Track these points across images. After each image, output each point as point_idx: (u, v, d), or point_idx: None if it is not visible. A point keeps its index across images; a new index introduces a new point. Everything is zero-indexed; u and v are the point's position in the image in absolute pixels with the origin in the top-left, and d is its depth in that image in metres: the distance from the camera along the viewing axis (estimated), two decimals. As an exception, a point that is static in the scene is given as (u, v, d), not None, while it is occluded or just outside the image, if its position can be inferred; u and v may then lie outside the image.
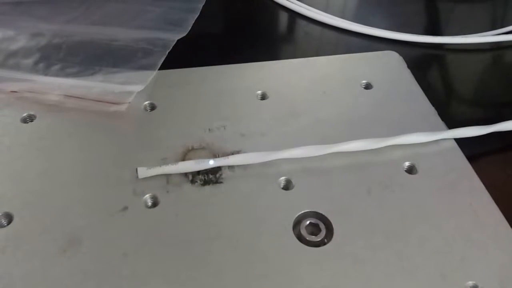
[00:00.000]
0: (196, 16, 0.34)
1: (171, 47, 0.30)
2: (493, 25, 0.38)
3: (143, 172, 0.22)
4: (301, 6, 0.37)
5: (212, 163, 0.23)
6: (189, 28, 0.32)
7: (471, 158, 0.24)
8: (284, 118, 0.26)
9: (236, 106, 0.27)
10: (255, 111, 0.26)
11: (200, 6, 0.35)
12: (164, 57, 0.29)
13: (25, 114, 0.25)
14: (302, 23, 0.37)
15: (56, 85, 0.26)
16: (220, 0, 0.38)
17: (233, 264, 0.19)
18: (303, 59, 0.30)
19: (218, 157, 0.24)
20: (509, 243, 0.21)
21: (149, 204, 0.21)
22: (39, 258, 0.19)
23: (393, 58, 0.31)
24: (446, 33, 0.37)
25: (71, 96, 0.26)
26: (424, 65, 0.34)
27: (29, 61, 0.28)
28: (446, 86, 0.33)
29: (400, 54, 0.31)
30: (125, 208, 0.21)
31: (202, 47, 0.33)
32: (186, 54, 0.31)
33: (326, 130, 0.25)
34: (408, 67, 0.30)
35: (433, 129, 0.26)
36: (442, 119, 0.26)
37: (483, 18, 0.39)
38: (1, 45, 0.29)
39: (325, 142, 0.25)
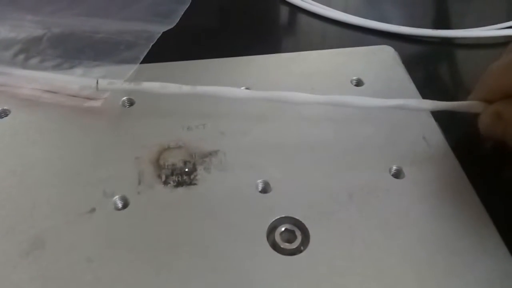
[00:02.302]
0: (186, 7, 0.33)
1: (155, 40, 0.29)
2: (505, 17, 0.36)
3: (103, 84, 0.22)
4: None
5: (185, 89, 0.22)
6: (177, 20, 0.31)
7: (467, 165, 0.23)
8: (267, 115, 0.25)
9: (218, 103, 0.25)
10: (237, 108, 0.25)
11: (191, -4, 0.34)
12: (147, 50, 0.28)
13: (-1, 109, 0.24)
14: (302, 17, 0.36)
15: (33, 79, 0.25)
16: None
17: (200, 272, 0.19)
18: (293, 53, 0.29)
19: (195, 157, 0.23)
20: (499, 257, 0.19)
21: (119, 205, 0.21)
22: (0, 260, 0.19)
23: (387, 54, 0.29)
24: (456, 27, 0.35)
25: (47, 91, 0.25)
26: (429, 61, 0.32)
27: (8, 53, 0.27)
28: (450, 84, 0.31)
29: (405, 49, 0.30)
30: (93, 209, 0.20)
31: (191, 40, 0.32)
32: (173, 47, 0.30)
33: (310, 129, 0.24)
34: (413, 63, 0.29)
35: (425, 128, 0.24)
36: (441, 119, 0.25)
37: (495, 10, 0.37)
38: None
39: (308, 141, 0.24)
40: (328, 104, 0.23)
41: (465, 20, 0.36)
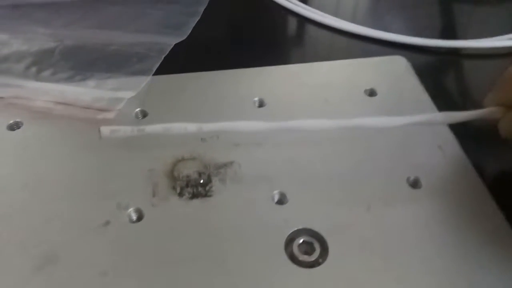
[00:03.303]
0: (197, 19, 0.33)
1: (167, 52, 0.29)
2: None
3: (106, 132, 0.21)
4: (309, 10, 0.36)
5: (191, 129, 0.21)
6: (189, 32, 0.31)
7: (484, 174, 0.23)
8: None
9: (231, 113, 0.25)
10: (251, 119, 0.25)
11: (201, 9, 0.34)
12: (160, 62, 0.28)
13: (11, 121, 0.24)
14: (310, 27, 0.36)
15: (45, 91, 0.25)
16: (223, 4, 0.36)
17: (217, 286, 0.18)
18: (305, 64, 0.29)
19: (210, 168, 0.22)
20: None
21: (133, 218, 0.20)
22: (13, 275, 0.18)
23: (400, 64, 0.29)
24: (463, 37, 0.35)
25: (60, 103, 0.25)
26: (439, 71, 0.32)
27: (21, 65, 0.27)
28: (462, 94, 0.31)
29: (414, 59, 0.29)
30: (107, 222, 0.20)
31: (202, 52, 0.32)
32: (184, 59, 0.30)
33: (324, 140, 0.24)
34: (422, 73, 0.28)
35: (440, 138, 0.24)
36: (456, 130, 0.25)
37: (504, 20, 0.37)
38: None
39: (323, 151, 0.23)
40: (348, 128, 0.22)
41: (473, 30, 0.36)
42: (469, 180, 0.22)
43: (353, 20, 0.35)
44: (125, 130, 0.22)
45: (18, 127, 0.24)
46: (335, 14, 0.36)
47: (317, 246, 0.19)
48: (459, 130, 0.25)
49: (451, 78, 0.32)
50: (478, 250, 0.19)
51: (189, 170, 0.22)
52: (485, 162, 0.24)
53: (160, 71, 0.28)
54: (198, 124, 0.22)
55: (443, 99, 0.28)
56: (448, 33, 0.36)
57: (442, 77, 0.32)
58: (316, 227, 0.20)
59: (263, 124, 0.22)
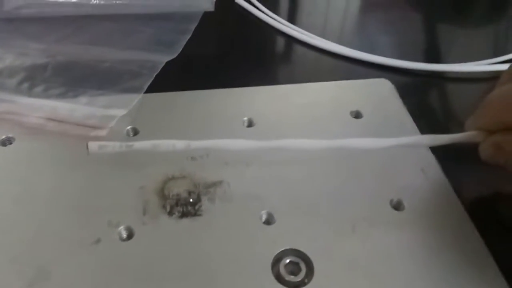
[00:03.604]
0: (188, 37, 0.34)
1: (159, 70, 0.29)
2: (496, 53, 0.37)
3: (94, 148, 0.21)
4: (297, 31, 0.37)
5: (179, 146, 0.22)
6: (180, 50, 0.32)
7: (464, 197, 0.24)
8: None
9: (221, 133, 0.26)
10: (240, 138, 0.26)
11: (192, 27, 0.35)
12: (151, 80, 0.28)
13: (3, 137, 0.24)
14: (297, 47, 0.37)
15: (38, 107, 0.26)
16: (213, 22, 0.37)
17: (206, 305, 0.19)
18: (293, 85, 0.30)
19: (199, 187, 0.23)
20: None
21: (124, 236, 0.21)
22: (4, 292, 0.18)
23: (384, 86, 0.30)
24: (447, 61, 0.36)
25: (52, 119, 0.25)
26: (422, 94, 0.33)
27: (13, 81, 0.27)
28: (444, 117, 0.32)
29: (398, 81, 0.30)
30: (98, 240, 0.20)
31: (192, 70, 0.32)
32: (175, 77, 0.31)
33: (312, 161, 0.25)
34: (405, 95, 0.29)
35: (422, 161, 0.25)
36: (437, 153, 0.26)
37: (486, 45, 0.39)
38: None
39: (310, 172, 0.24)
40: (336, 149, 0.23)
41: (456, 54, 0.38)
42: (449, 202, 0.23)
43: (340, 41, 0.36)
44: (114, 145, 0.22)
45: (10, 143, 0.24)
46: (323, 35, 0.37)
47: (303, 266, 0.20)
48: (440, 152, 0.26)
49: (433, 100, 0.34)
50: (457, 271, 0.20)
51: (179, 188, 0.22)
52: (465, 184, 0.25)
53: (151, 89, 0.28)
54: (186, 142, 0.22)
55: (425, 121, 0.29)
56: (432, 56, 0.37)
57: (424, 100, 0.33)
58: (302, 248, 0.21)
59: (251, 143, 0.23)
